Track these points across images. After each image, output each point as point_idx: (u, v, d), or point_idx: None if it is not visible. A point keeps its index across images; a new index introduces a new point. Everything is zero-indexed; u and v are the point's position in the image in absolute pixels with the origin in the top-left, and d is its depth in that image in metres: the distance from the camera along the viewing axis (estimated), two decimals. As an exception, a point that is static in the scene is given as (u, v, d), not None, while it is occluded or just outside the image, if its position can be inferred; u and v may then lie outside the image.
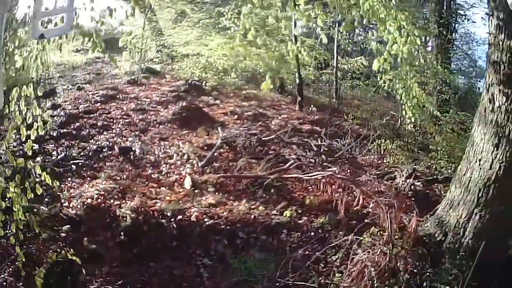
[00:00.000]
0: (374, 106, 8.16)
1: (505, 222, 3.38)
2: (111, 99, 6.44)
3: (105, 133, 5.38)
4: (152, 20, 8.01)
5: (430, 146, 6.33)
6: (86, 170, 4.54)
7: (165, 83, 7.48)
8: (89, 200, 3.87)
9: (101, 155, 4.84)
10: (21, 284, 3.11)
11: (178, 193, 4.20)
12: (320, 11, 3.58)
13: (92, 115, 5.81)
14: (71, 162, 4.64)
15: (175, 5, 8.10)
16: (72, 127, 5.42)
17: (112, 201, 3.91)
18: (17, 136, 3.13)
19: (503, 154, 3.33)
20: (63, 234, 3.57)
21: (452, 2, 8.59)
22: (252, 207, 4.13)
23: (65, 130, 5.30)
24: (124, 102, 6.42)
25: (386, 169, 5.87)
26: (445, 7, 8.35)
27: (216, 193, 4.29)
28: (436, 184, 5.38)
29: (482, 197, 3.37)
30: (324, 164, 5.38)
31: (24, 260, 2.89)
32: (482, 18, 8.78)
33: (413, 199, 4.80)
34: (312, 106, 7.34)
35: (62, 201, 3.93)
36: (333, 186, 4.58)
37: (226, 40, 7.31)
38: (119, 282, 3.29)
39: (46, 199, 3.91)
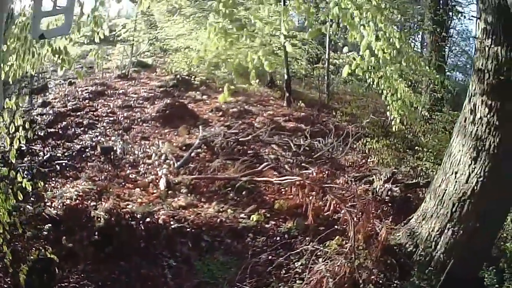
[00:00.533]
0: (366, 102, 8.04)
1: (480, 240, 3.33)
2: (99, 96, 6.58)
3: (90, 132, 5.57)
4: (146, 12, 7.99)
5: (416, 148, 6.26)
6: (69, 170, 4.75)
7: (155, 77, 7.56)
8: (68, 201, 4.08)
9: (84, 155, 5.04)
10: (8, 279, 3.38)
11: (151, 194, 4.38)
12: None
13: (79, 113, 6.00)
14: (56, 162, 4.86)
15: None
16: (59, 126, 5.62)
17: (89, 202, 4.11)
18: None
19: (481, 169, 3.25)
20: (45, 233, 3.81)
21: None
22: (221, 209, 4.27)
23: (52, 130, 5.50)
24: (112, 98, 6.56)
25: (366, 171, 5.89)
26: (441, 3, 8.01)
27: (189, 194, 4.44)
28: (418, 189, 5.38)
29: (456, 212, 3.34)
30: (302, 164, 5.45)
31: (11, 257, 3.12)
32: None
33: (390, 204, 4.86)
34: (300, 102, 7.30)
35: (46, 200, 4.17)
36: (305, 190, 4.65)
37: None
38: (92, 279, 3.54)
39: (32, 198, 4.16)
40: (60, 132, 5.53)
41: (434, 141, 7.11)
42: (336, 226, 4.22)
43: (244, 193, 4.56)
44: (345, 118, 7.34)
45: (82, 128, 5.64)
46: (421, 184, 5.43)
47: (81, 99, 6.41)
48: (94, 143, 5.31)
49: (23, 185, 3.21)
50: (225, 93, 3.15)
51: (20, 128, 3.15)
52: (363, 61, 3.66)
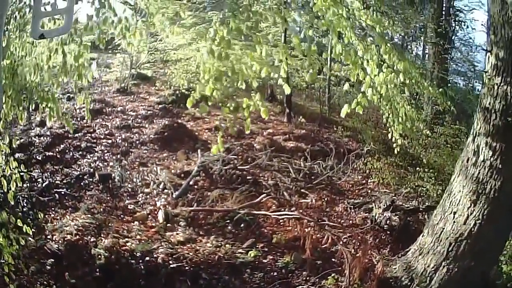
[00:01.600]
0: (368, 115, 7.96)
1: (473, 277, 3.42)
2: (98, 114, 6.53)
3: (88, 156, 5.54)
4: (146, 21, 7.83)
5: (417, 168, 6.22)
6: (68, 200, 4.75)
7: (154, 92, 7.47)
8: (69, 236, 4.10)
9: (82, 183, 5.03)
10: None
11: (149, 228, 4.38)
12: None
13: (77, 134, 5.96)
14: (55, 190, 4.85)
15: (168, 6, 7.87)
16: (57, 149, 5.59)
17: (89, 237, 4.12)
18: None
19: (480, 212, 3.28)
20: (48, 267, 3.85)
21: (451, 8, 8.02)
22: (219, 245, 4.27)
23: (50, 153, 5.48)
24: (110, 117, 6.51)
25: (366, 195, 5.86)
26: (443, 12, 7.80)
27: (187, 227, 4.44)
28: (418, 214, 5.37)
29: (452, 251, 3.41)
30: (302, 190, 5.44)
31: (17, 293, 3.21)
32: (482, 24, 8.23)
33: (388, 232, 4.87)
34: (301, 117, 7.24)
35: (47, 233, 4.19)
36: (303, 222, 4.66)
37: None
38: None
39: (32, 230, 4.18)
40: (58, 156, 5.51)
41: (435, 157, 7.07)
42: (333, 259, 4.25)
43: (242, 225, 4.56)
44: (346, 133, 7.28)
45: (80, 152, 5.62)
46: (421, 209, 5.46)
47: (79, 118, 6.36)
48: (92, 169, 5.30)
49: (24, 230, 3.27)
50: (218, 144, 3.05)
51: (16, 170, 3.19)
52: (365, 98, 3.63)
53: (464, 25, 7.52)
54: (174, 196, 4.84)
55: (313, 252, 4.30)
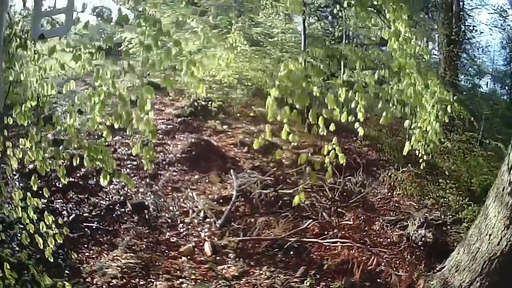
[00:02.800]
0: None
1: None
2: (115, 130, 6.03)
3: (114, 181, 5.12)
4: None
5: (440, 180, 6.39)
6: (101, 235, 4.39)
7: (169, 102, 7.03)
8: (114, 281, 3.80)
9: (114, 214, 4.67)
10: None
11: (200, 263, 4.18)
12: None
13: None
14: (84, 224, 4.47)
15: (175, 11, 7.34)
16: (78, 174, 5.12)
17: (137, 280, 3.86)
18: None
19: None
20: None
21: (461, 12, 8.15)
22: (274, 275, 4.18)
23: (71, 179, 5.01)
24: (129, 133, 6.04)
25: (395, 209, 5.96)
26: (453, 18, 7.91)
27: (237, 259, 4.30)
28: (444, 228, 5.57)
29: (485, 268, 3.78)
30: (339, 210, 5.43)
31: None
32: (486, 24, 8.48)
33: (422, 248, 5.01)
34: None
35: (84, 275, 3.86)
36: (350, 246, 4.66)
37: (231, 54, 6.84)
38: None
39: (66, 271, 3.84)
40: (81, 182, 5.06)
41: (449, 164, 7.30)
42: (378, 280, 4.34)
43: (291, 253, 4.49)
44: (365, 142, 7.30)
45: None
46: (448, 223, 5.68)
47: (96, 136, 5.85)
48: (122, 198, 4.93)
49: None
50: (267, 133, 2.78)
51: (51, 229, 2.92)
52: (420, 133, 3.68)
53: (473, 28, 7.68)
54: (217, 225, 4.63)
55: (361, 274, 4.36)
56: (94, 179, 5.15)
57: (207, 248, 4.36)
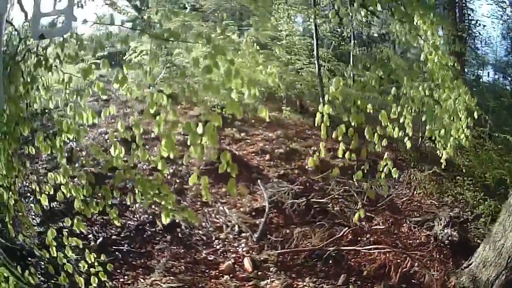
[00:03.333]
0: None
1: None
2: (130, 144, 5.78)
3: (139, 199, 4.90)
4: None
5: (458, 177, 6.48)
6: (134, 258, 4.18)
7: (182, 111, 6.80)
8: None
9: (144, 235, 4.46)
10: None
11: (244, 281, 4.05)
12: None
13: (117, 172, 5.22)
14: (114, 248, 4.24)
15: (178, 16, 7.11)
16: (99, 193, 4.84)
17: (185, 306, 3.69)
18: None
19: None
20: None
21: (464, 9, 8.28)
22: (317, 286, 4.13)
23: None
24: (146, 147, 5.80)
25: (418, 206, 6.03)
26: (458, 15, 8.03)
27: (279, 272, 4.20)
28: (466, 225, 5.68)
29: (510, 262, 4.06)
30: (367, 214, 5.41)
31: None
32: (488, 17, 8.65)
33: (449, 247, 5.10)
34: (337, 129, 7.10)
35: None
36: (386, 250, 4.68)
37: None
38: None
39: None
40: (103, 201, 4.79)
41: (462, 159, 7.41)
42: (413, 280, 4.39)
43: (330, 262, 4.44)
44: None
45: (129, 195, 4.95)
46: (469, 220, 5.80)
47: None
48: (150, 216, 4.71)
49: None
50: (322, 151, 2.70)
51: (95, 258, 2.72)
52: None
53: (477, 22, 7.81)
54: (254, 239, 4.51)
55: (398, 277, 4.39)
56: (118, 198, 4.90)
57: (247, 264, 4.24)
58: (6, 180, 2.48)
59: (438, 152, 4.43)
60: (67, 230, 2.77)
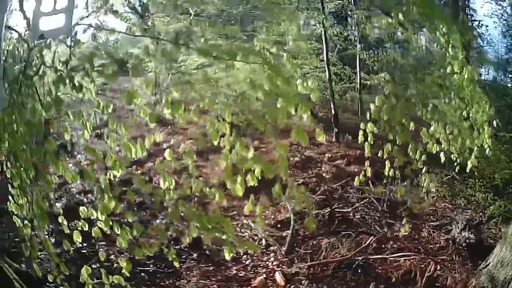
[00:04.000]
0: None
1: None
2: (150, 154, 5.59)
3: (160, 214, 4.75)
4: (159, 38, 6.82)
5: (469, 180, 6.57)
6: (162, 279, 4.05)
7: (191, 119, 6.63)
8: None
9: (172, 254, 4.31)
10: None
11: (278, 297, 3.99)
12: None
13: (132, 187, 5.04)
14: (138, 269, 4.08)
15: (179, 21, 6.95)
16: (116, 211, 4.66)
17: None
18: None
19: None
20: None
21: (467, 8, 8.42)
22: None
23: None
24: (161, 158, 5.63)
25: (434, 210, 6.10)
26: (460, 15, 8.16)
27: (311, 284, 4.17)
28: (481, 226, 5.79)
29: None
30: (388, 221, 5.44)
31: None
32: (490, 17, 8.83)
33: (466, 249, 5.18)
34: (347, 134, 7.10)
35: None
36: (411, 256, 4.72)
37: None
38: None
39: None
40: (123, 220, 4.61)
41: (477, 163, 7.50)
42: (437, 284, 4.48)
43: (359, 271, 4.45)
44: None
45: (147, 211, 4.80)
46: (483, 222, 5.91)
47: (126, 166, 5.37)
48: (174, 233, 4.56)
49: None
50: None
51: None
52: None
53: (480, 24, 7.96)
54: (283, 252, 4.44)
55: (424, 282, 4.44)
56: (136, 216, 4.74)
57: (279, 278, 4.18)
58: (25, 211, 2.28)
59: (452, 156, 4.50)
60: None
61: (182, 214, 2.34)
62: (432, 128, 3.21)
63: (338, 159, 6.38)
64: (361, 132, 3.11)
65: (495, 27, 9.38)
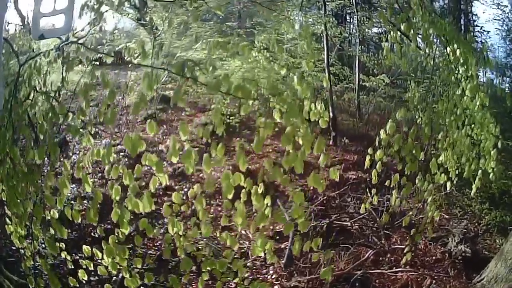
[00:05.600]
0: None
1: None
2: (138, 157, 5.39)
3: (160, 221, 4.63)
4: (156, 33, 6.50)
5: (467, 190, 6.61)
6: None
7: (187, 118, 6.43)
8: None
9: (169, 266, 4.22)
10: None
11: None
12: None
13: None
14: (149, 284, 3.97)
15: (177, 16, 6.63)
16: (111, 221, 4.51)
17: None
18: None
19: None
20: None
21: (469, 14, 8.31)
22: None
23: (110, 226, 4.41)
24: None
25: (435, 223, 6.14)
26: (462, 22, 8.06)
27: (308, 298, 4.15)
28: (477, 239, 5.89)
29: None
30: (385, 232, 5.44)
31: None
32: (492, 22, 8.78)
33: (461, 262, 5.25)
34: (344, 137, 7.03)
35: None
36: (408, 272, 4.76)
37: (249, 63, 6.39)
38: None
39: None
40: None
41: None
42: None
43: (357, 284, 4.46)
44: (386, 151, 7.33)
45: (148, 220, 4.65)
46: (479, 234, 6.01)
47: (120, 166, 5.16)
48: (171, 244, 4.44)
49: None
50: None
51: None
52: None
53: (482, 30, 7.87)
54: (281, 265, 4.40)
55: None
56: (133, 226, 4.59)
57: (277, 293, 4.15)
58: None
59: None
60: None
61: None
62: (441, 158, 3.15)
63: (335, 165, 6.31)
64: (368, 157, 3.04)
65: (497, 33, 9.34)
